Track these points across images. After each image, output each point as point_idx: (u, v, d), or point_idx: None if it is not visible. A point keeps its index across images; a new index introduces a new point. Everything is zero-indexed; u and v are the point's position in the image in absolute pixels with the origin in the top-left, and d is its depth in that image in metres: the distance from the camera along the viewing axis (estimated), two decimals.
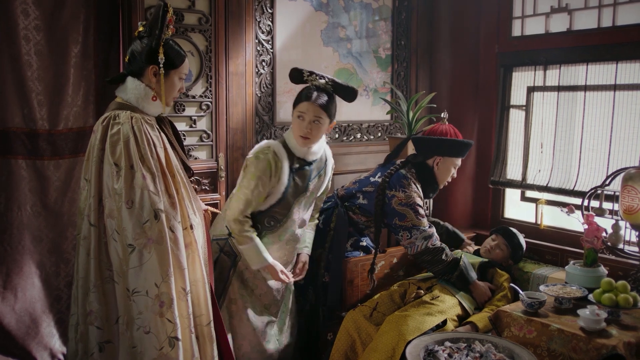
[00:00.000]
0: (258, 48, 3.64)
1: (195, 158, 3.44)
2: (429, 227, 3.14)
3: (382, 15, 4.20)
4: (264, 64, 3.67)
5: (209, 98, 3.45)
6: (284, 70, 3.74)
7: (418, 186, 3.19)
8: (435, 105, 3.98)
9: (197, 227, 2.39)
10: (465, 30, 4.19)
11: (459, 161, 3.29)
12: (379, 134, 4.27)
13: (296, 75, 2.94)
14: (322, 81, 2.89)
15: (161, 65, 2.30)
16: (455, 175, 3.31)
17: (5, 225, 3.11)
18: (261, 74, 3.66)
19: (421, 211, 3.13)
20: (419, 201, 3.14)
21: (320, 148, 2.98)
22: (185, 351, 2.24)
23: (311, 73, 2.90)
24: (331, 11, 3.95)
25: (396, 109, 3.89)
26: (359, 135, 4.16)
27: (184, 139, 3.37)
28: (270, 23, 3.67)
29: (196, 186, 3.42)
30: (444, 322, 2.91)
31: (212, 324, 2.41)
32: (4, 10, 2.99)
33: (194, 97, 3.41)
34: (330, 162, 3.11)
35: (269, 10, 3.66)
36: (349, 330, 2.97)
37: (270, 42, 3.68)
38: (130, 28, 3.20)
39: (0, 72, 3.04)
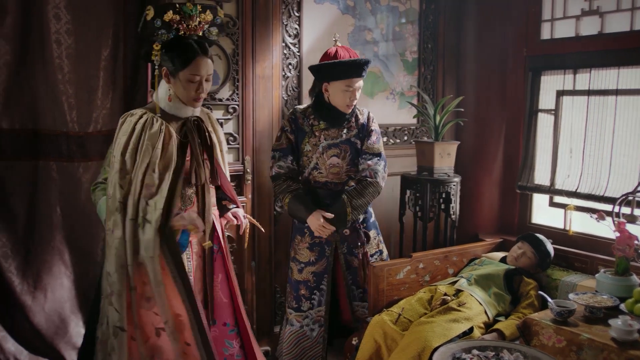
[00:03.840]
0: (285, 51, 3.64)
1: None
2: (282, 156, 3.10)
3: (409, 18, 4.18)
4: (290, 67, 3.67)
5: (235, 101, 3.47)
6: (310, 73, 3.74)
7: (299, 116, 3.13)
8: (462, 110, 3.95)
9: (148, 228, 2.21)
10: (493, 33, 4.14)
11: (350, 82, 2.99)
12: (405, 138, 4.25)
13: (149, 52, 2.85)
14: None
15: (156, 66, 2.29)
16: (356, 96, 3.04)
17: (36, 226, 3.16)
18: (287, 77, 3.66)
19: (280, 136, 3.15)
20: (286, 126, 3.13)
21: None
22: None
23: None
24: (358, 14, 3.94)
25: (423, 112, 3.87)
26: (384, 139, 4.14)
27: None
28: (297, 26, 3.67)
29: None
30: (471, 330, 2.88)
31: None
32: (37, 15, 3.04)
33: (220, 100, 3.42)
34: None
35: (296, 14, 3.67)
36: (375, 335, 2.96)
37: (297, 46, 3.68)
38: None
39: (33, 75, 3.10)
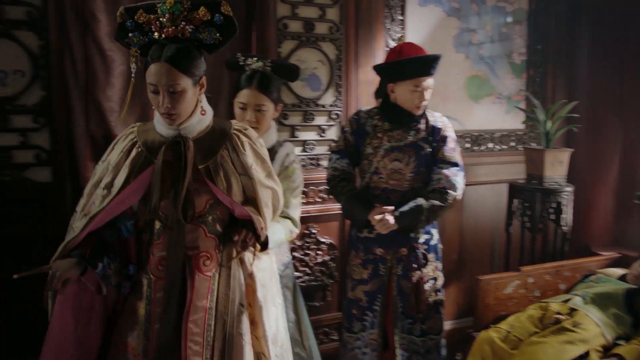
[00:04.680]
0: None
1: (325, 167, 3.44)
2: (338, 158, 2.84)
3: (517, 18, 3.99)
4: None
5: (338, 107, 3.44)
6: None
7: (363, 116, 2.85)
8: (577, 115, 3.70)
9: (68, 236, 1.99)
10: (609, 33, 3.87)
11: (418, 81, 2.67)
12: (512, 144, 4.05)
13: (232, 62, 2.61)
14: (260, 63, 2.53)
15: (133, 75, 1.95)
16: (425, 96, 2.71)
17: None
18: None
19: (339, 138, 2.90)
20: (347, 127, 2.87)
21: (269, 139, 2.54)
22: None
23: (247, 57, 2.56)
24: (463, 16, 3.80)
25: (532, 117, 3.68)
26: (490, 145, 3.98)
27: (312, 148, 3.38)
28: (400, 30, 3.59)
29: (325, 196, 3.42)
30: (587, 353, 2.69)
31: None
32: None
33: (323, 106, 3.41)
34: (281, 155, 2.56)
35: (400, 18, 3.59)
36: (482, 352, 2.83)
37: None
38: (263, 39, 3.25)
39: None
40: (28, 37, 2.85)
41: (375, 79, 3.50)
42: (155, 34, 1.88)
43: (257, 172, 2.01)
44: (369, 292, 2.83)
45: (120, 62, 3.12)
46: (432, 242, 2.86)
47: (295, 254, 3.36)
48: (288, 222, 2.44)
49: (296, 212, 2.51)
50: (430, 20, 3.70)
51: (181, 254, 1.92)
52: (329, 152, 3.02)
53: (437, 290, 2.86)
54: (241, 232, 1.97)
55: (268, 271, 2.16)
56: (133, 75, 1.94)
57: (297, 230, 2.49)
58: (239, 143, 1.99)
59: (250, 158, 2.00)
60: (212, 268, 1.98)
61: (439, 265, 2.89)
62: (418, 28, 3.65)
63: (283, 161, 2.52)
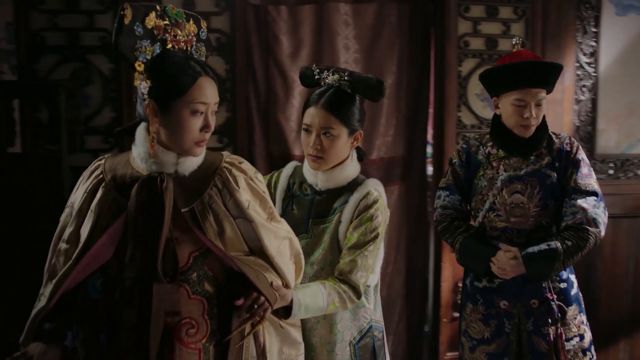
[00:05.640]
0: (578, 72, 3.29)
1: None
2: (448, 195, 2.40)
3: None
4: (584, 89, 3.29)
5: None
6: (608, 95, 3.32)
7: (473, 144, 2.40)
8: None
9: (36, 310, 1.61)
10: None
11: (523, 93, 2.18)
12: None
13: (307, 75, 2.04)
14: (335, 77, 1.93)
15: (145, 96, 1.49)
16: (533, 113, 2.18)
17: None
18: (580, 100, 3.30)
19: (447, 172, 2.46)
20: (454, 159, 2.42)
21: (343, 175, 1.95)
22: None
23: (323, 69, 1.97)
24: None
25: None
26: None
27: None
28: (594, 43, 3.29)
29: None
30: None
31: None
32: (328, 46, 3.17)
33: None
34: (357, 196, 1.90)
35: (593, 30, 3.28)
36: None
37: (593, 65, 3.30)
38: (443, 56, 3.16)
39: None
40: (216, 63, 3.00)
41: (563, 98, 3.25)
42: (169, 44, 1.52)
43: (257, 212, 1.59)
44: (493, 354, 2.35)
45: (300, 82, 3.19)
46: (572, 292, 2.32)
47: None
48: (344, 288, 1.81)
49: (360, 277, 1.83)
50: (629, 30, 3.33)
51: (160, 321, 1.51)
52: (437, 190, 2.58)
53: (584, 350, 2.31)
54: (249, 294, 1.52)
55: (290, 347, 1.71)
56: (144, 97, 1.49)
57: (357, 301, 1.84)
58: (230, 179, 1.56)
59: (245, 197, 1.57)
60: (201, 339, 1.54)
61: (584, 318, 2.33)
62: (614, 40, 3.31)
63: (357, 204, 1.89)
